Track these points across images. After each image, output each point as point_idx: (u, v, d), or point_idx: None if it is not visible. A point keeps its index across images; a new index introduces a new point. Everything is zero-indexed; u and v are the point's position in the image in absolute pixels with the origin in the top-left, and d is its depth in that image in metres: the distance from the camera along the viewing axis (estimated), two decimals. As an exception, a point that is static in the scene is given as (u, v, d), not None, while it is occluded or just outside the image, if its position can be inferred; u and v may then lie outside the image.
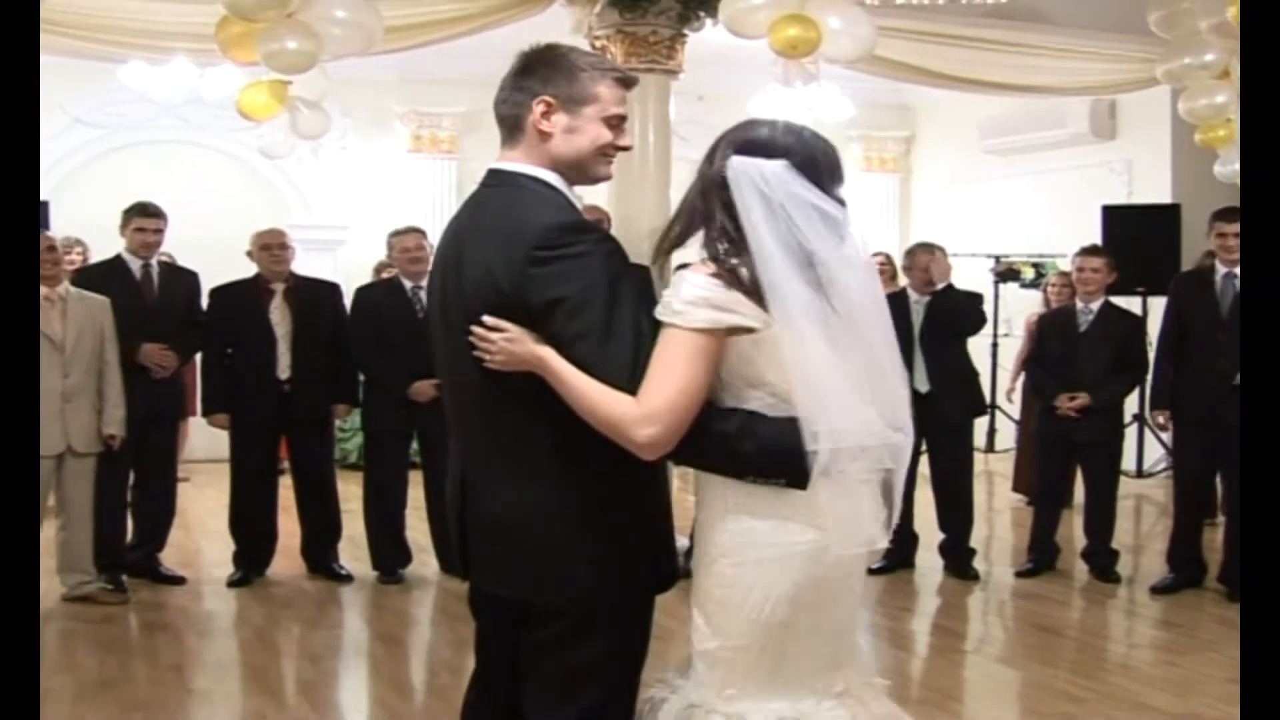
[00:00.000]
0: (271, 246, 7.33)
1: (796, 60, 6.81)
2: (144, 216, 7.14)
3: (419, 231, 7.54)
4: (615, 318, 2.72)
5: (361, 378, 7.63)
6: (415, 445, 7.65)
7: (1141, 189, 11.66)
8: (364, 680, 6.00)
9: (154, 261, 7.27)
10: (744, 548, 2.78)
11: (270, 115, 7.16)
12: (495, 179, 2.97)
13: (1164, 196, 11.24)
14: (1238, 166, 8.70)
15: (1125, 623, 7.00)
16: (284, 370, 7.26)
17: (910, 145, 14.70)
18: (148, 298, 7.14)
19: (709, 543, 2.86)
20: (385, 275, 8.43)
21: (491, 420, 2.93)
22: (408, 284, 7.39)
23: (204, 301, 7.46)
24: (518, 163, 2.93)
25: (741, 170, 2.77)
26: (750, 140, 2.83)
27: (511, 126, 2.94)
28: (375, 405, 7.50)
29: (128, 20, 7.32)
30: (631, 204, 7.61)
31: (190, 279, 7.46)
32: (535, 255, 2.73)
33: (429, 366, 6.45)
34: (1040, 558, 7.70)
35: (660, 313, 2.74)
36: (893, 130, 14.44)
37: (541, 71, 2.91)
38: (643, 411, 2.66)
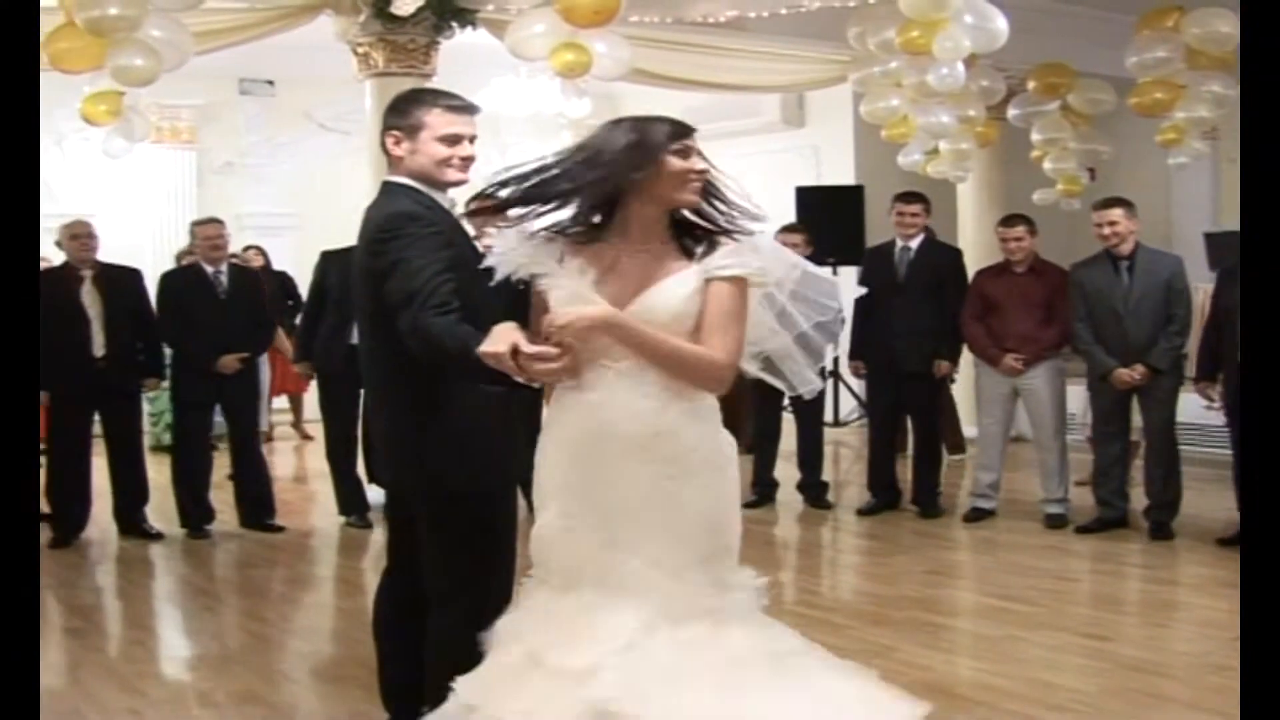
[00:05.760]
0: (80, 235, 8.05)
1: (573, 79, 8.02)
2: None
3: (218, 221, 8.40)
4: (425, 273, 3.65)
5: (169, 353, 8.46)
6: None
7: (828, 171, 13.15)
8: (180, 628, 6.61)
9: None
10: None
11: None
12: (382, 188, 4.01)
13: (848, 178, 12.74)
14: (918, 156, 10.26)
15: (840, 537, 8.37)
16: (99, 349, 7.96)
17: (617, 132, 15.75)
18: None
19: None
20: (186, 261, 9.16)
21: (372, 365, 4.00)
22: (209, 268, 8.26)
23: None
24: (393, 176, 3.98)
25: None
26: None
27: (385, 152, 3.99)
28: (184, 379, 8.30)
29: None
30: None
31: None
32: (376, 237, 3.77)
33: (229, 342, 7.42)
34: (763, 491, 8.94)
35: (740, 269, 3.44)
36: (599, 117, 15.41)
37: (391, 110, 3.99)
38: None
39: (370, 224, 3.86)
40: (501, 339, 3.30)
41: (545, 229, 3.61)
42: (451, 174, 3.94)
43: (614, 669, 3.26)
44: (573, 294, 3.43)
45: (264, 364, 9.78)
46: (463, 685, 3.46)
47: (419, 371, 3.75)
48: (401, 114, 3.92)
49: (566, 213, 3.57)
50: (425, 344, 3.58)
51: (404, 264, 3.65)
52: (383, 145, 3.97)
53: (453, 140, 3.90)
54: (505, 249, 3.58)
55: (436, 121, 3.88)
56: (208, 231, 8.27)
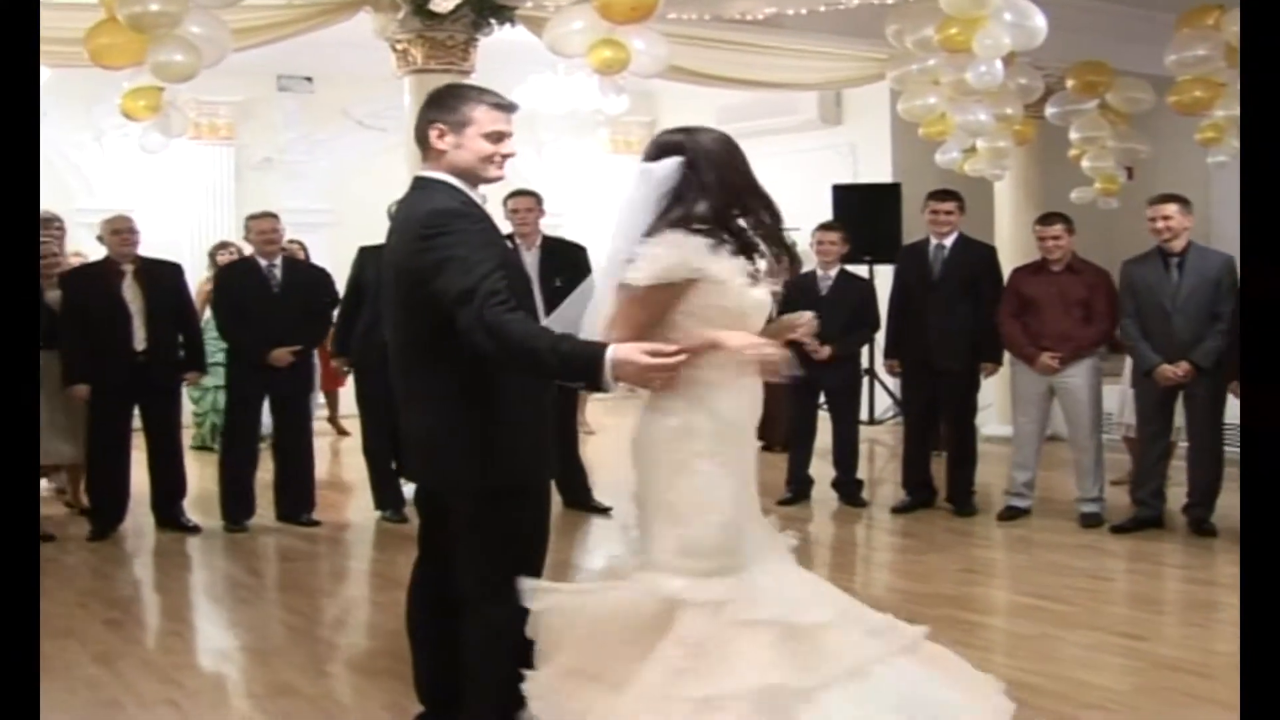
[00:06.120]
0: (122, 231, 8.13)
1: (610, 76, 8.07)
2: None
3: (273, 215, 8.49)
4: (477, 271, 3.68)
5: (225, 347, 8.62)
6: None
7: (865, 169, 13.13)
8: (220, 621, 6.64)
9: None
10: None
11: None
12: (416, 183, 4.02)
13: (885, 176, 12.72)
14: (955, 154, 10.24)
15: (874, 535, 8.38)
16: (140, 343, 8.05)
17: (653, 130, 15.73)
18: None
19: None
20: (221, 257, 9.23)
21: (405, 364, 3.98)
22: (263, 262, 8.35)
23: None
24: (429, 170, 3.97)
25: None
26: None
27: (422, 145, 3.99)
28: (237, 372, 8.43)
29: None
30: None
31: None
32: (421, 233, 3.77)
33: (282, 335, 7.66)
34: (798, 488, 8.98)
35: None
36: (636, 115, 15.48)
37: (435, 103, 3.98)
38: None
39: (412, 219, 3.84)
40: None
41: (702, 232, 3.64)
42: (493, 171, 3.96)
43: (843, 607, 3.81)
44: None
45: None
46: (764, 676, 3.53)
47: (459, 366, 3.76)
48: (447, 108, 3.92)
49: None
50: (500, 341, 3.58)
51: (456, 260, 3.66)
52: (421, 138, 3.96)
53: (497, 137, 3.92)
54: (676, 247, 3.57)
55: (484, 118, 3.89)
56: (262, 225, 8.38)
